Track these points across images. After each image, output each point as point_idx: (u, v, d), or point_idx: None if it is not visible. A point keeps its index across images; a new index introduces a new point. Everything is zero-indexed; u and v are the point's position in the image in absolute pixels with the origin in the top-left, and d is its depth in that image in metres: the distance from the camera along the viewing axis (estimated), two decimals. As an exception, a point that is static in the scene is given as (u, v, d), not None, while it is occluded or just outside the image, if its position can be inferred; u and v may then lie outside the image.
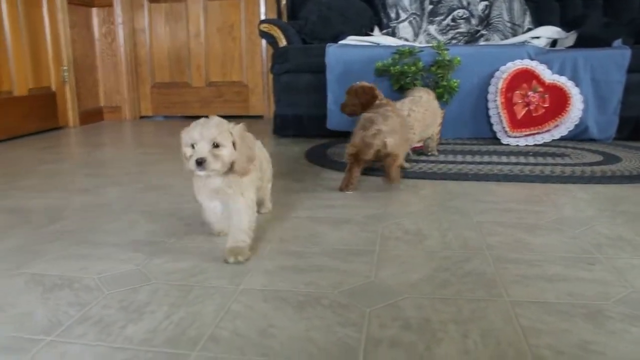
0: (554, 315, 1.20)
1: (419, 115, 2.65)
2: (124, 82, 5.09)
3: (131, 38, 5.11)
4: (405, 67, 3.14)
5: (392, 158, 2.25)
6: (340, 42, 3.77)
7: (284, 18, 4.39)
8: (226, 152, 1.50)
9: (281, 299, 1.28)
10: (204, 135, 1.49)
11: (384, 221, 1.87)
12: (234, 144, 1.52)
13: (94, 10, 4.98)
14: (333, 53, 3.50)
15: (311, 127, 3.65)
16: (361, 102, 2.52)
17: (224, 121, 1.55)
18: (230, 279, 1.41)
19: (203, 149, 1.48)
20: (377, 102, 2.47)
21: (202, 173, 1.50)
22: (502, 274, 1.42)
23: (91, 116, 4.91)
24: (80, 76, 4.77)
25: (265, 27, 3.82)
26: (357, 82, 2.61)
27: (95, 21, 5.00)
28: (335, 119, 3.48)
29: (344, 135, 3.50)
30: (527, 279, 1.39)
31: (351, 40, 3.83)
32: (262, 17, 4.85)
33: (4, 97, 3.87)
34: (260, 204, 1.87)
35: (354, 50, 3.53)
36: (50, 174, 2.72)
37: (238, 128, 1.55)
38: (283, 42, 3.77)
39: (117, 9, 5.00)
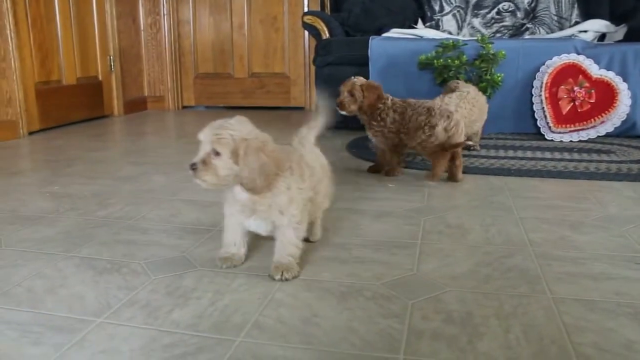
0: (598, 314, 1.19)
1: (465, 112, 2.63)
2: (167, 73, 5.17)
3: (175, 29, 5.18)
4: (449, 61, 3.12)
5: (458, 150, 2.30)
6: (384, 34, 3.76)
7: (327, 10, 4.40)
8: (220, 163, 1.28)
9: (324, 290, 1.30)
10: (206, 137, 1.30)
11: (426, 215, 1.87)
12: (237, 155, 1.27)
13: (140, 1, 5.07)
14: (376, 46, 3.50)
15: (353, 120, 3.64)
16: (368, 100, 2.38)
17: (236, 125, 1.31)
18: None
19: (199, 154, 1.30)
20: (386, 102, 2.38)
21: (195, 181, 1.32)
22: (545, 270, 1.41)
23: (135, 105, 5.01)
24: (126, 66, 4.86)
25: (308, 19, 3.83)
26: (354, 77, 2.46)
27: (141, 12, 5.09)
28: (376, 112, 3.47)
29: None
30: (571, 276, 1.38)
31: (394, 33, 3.81)
32: (305, 9, 4.86)
33: (53, 86, 3.98)
34: (308, 228, 1.49)
35: (397, 43, 3.52)
36: (97, 162, 2.79)
37: (250, 140, 1.28)
38: (326, 35, 3.78)
39: (163, 0, 5.07)
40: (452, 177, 2.33)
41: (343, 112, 2.43)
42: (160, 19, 5.12)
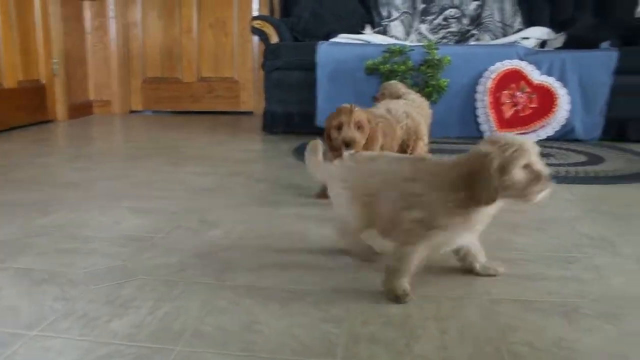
0: (532, 313, 1.23)
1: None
2: (114, 77, 5.09)
3: (123, 32, 5.10)
4: (395, 66, 3.17)
5: None
6: (332, 40, 3.79)
7: (277, 15, 4.41)
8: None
9: (266, 296, 1.30)
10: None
11: (370, 219, 1.89)
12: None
13: (86, 4, 4.97)
14: (324, 51, 3.52)
15: (301, 124, 3.67)
16: (372, 132, 2.01)
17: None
18: (216, 275, 1.42)
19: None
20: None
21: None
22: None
23: (80, 110, 4.90)
24: (71, 69, 4.76)
25: (257, 23, 3.83)
26: (351, 106, 2.01)
27: (87, 14, 4.99)
28: (325, 117, 3.49)
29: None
30: (508, 277, 1.42)
31: (342, 38, 3.85)
32: (255, 13, 4.86)
33: (-7, 89, 3.86)
34: None
35: (345, 49, 3.55)
36: (39, 168, 2.73)
37: None
38: (275, 39, 3.79)
39: (110, 3, 4.99)
40: None
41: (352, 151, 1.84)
42: (107, 22, 5.03)
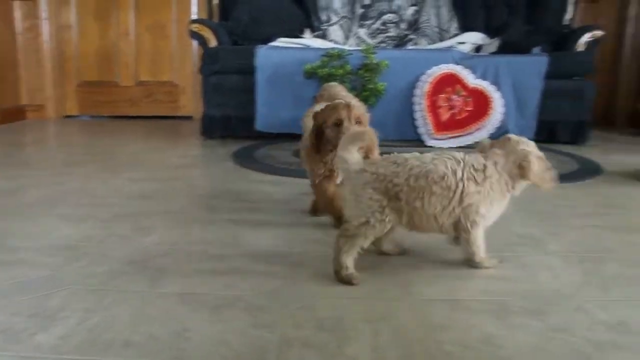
0: (463, 312, 1.25)
1: None
2: (48, 80, 4.93)
3: (57, 34, 4.95)
4: (333, 70, 3.19)
5: None
6: (271, 44, 3.78)
7: (216, 18, 4.37)
8: None
9: (198, 302, 1.29)
10: None
11: (306, 223, 1.90)
12: None
13: (16, 4, 4.80)
14: (263, 55, 3.51)
15: (240, 129, 3.64)
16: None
17: None
18: (149, 282, 1.40)
19: None
20: None
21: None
22: (418, 273, 1.47)
23: (11, 115, 4.72)
24: (1, 72, 4.59)
25: (195, 27, 3.78)
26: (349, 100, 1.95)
27: (17, 15, 4.82)
28: (264, 120, 3.49)
29: (273, 137, 3.52)
30: (441, 277, 1.45)
31: (282, 42, 3.84)
32: (194, 16, 4.80)
33: None
34: None
35: (284, 52, 3.55)
36: (-35, 176, 2.62)
37: None
38: (213, 43, 3.75)
39: (42, 4, 4.83)
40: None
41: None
42: (39, 23, 4.87)
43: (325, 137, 1.75)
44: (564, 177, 2.64)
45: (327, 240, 1.72)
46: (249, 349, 1.09)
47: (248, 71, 3.52)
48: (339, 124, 1.71)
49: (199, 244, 1.68)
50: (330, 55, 3.30)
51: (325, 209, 1.86)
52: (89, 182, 2.49)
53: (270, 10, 4.08)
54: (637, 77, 4.69)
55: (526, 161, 1.46)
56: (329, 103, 1.79)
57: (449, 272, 1.49)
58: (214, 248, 1.65)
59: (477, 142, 1.68)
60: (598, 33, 3.74)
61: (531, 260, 1.59)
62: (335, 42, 4.18)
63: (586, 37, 3.74)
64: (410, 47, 4.20)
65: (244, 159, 2.97)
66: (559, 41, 3.90)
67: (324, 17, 4.32)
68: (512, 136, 1.55)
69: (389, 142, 3.50)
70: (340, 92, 2.85)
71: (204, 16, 4.60)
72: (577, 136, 3.69)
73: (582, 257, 1.62)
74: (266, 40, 3.86)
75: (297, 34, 4.15)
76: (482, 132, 3.37)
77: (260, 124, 3.51)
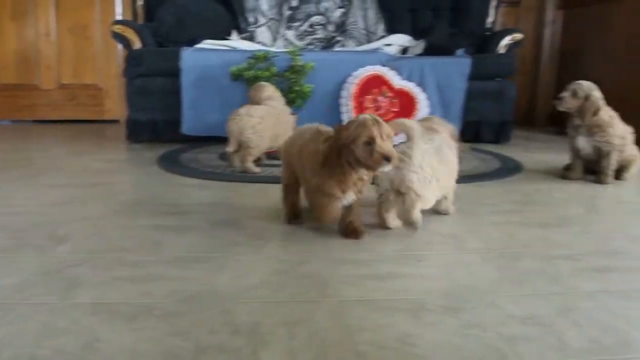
0: (379, 312, 1.26)
1: (269, 125, 2.68)
2: (-38, 84, 4.71)
3: (-29, 35, 4.74)
4: (259, 72, 3.17)
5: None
6: (197, 46, 3.73)
7: (140, 19, 4.27)
8: None
9: (111, 312, 1.25)
10: None
11: (230, 227, 1.87)
12: None
13: None
14: (188, 57, 3.46)
15: (166, 132, 3.57)
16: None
17: None
18: (60, 293, 1.34)
19: None
20: None
21: None
22: (336, 275, 1.47)
23: None
24: None
25: (118, 28, 3.69)
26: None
27: None
28: (190, 124, 3.44)
29: (200, 140, 3.47)
30: (359, 278, 1.45)
31: (208, 44, 3.80)
32: (119, 17, 4.68)
33: None
34: None
35: (209, 54, 3.50)
36: None
37: None
38: (137, 45, 3.67)
39: (-46, 4, 4.61)
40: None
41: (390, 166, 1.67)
42: (-48, 24, 4.64)
43: (350, 156, 1.62)
44: (486, 176, 2.72)
45: (251, 243, 1.71)
46: (162, 357, 1.06)
47: (173, 73, 3.46)
48: (371, 142, 1.58)
49: (116, 251, 1.63)
50: (256, 58, 3.29)
51: (321, 222, 1.80)
52: (4, 189, 2.38)
53: (196, 12, 4.03)
54: (556, 78, 4.88)
55: None
56: (354, 119, 1.65)
57: (369, 272, 1.50)
58: (132, 255, 1.60)
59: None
60: (517, 36, 3.88)
61: (450, 258, 1.62)
62: (263, 44, 4.17)
63: (507, 40, 3.87)
64: (337, 49, 4.23)
65: (169, 163, 2.91)
66: (482, 44, 4.02)
67: (251, 18, 4.30)
68: None
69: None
70: (264, 93, 2.85)
71: (129, 17, 4.49)
72: (500, 136, 3.81)
73: (499, 254, 1.67)
74: (192, 42, 3.80)
75: (223, 36, 4.11)
76: (408, 133, 3.43)
77: (186, 128, 3.46)
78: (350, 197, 1.72)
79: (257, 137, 2.63)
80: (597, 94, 2.62)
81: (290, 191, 1.93)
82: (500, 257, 1.64)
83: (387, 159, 1.57)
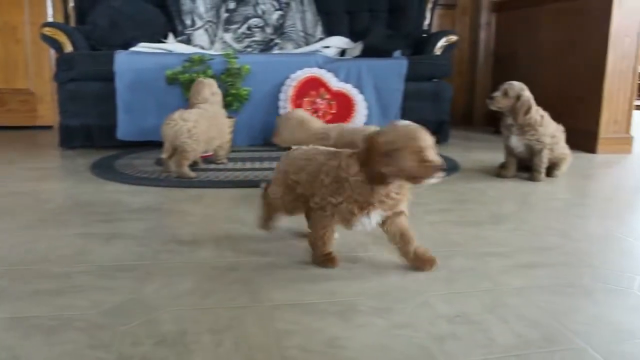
0: (310, 316, 1.25)
1: (204, 128, 2.65)
2: None
3: None
4: (195, 75, 3.12)
5: None
6: (131, 49, 3.65)
7: (72, 22, 4.14)
8: None
9: (31, 326, 1.19)
10: None
11: (160, 234, 1.83)
12: None
13: None
14: (122, 60, 3.37)
15: (101, 138, 3.47)
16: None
17: None
18: (-24, 308, 1.28)
19: None
20: None
21: None
22: (268, 279, 1.45)
23: None
24: None
25: (48, 31, 3.57)
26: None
27: None
28: (125, 129, 3.35)
29: (135, 146, 3.40)
30: (292, 282, 1.44)
31: (143, 47, 3.72)
32: (50, 19, 4.53)
33: None
34: None
35: (144, 58, 3.43)
36: None
37: None
38: (69, 48, 3.56)
39: None
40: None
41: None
42: None
43: (389, 166, 1.42)
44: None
45: (181, 250, 1.67)
46: (81, 372, 1.02)
47: (107, 78, 3.37)
48: (420, 151, 1.42)
49: (40, 263, 1.57)
50: (191, 61, 3.24)
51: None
52: None
53: (131, 14, 3.94)
54: (492, 79, 4.99)
55: None
56: (397, 126, 1.49)
57: (302, 275, 1.49)
58: (57, 266, 1.54)
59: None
60: (453, 38, 3.94)
61: (383, 259, 1.63)
62: (201, 47, 4.11)
63: (442, 42, 3.92)
64: (276, 52, 4.21)
65: (103, 169, 2.83)
66: (418, 45, 4.06)
67: (188, 21, 4.23)
68: None
69: (256, 146, 3.48)
70: (214, 90, 2.81)
71: (60, 19, 4.35)
72: (437, 136, 3.85)
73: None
74: (126, 45, 3.72)
75: (160, 39, 4.03)
76: (347, 135, 3.44)
77: (121, 133, 3.37)
78: (375, 217, 1.51)
79: (193, 141, 2.59)
80: (527, 93, 2.69)
81: (275, 207, 1.73)
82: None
83: (440, 169, 1.41)
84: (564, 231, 1.93)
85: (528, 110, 2.67)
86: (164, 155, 2.63)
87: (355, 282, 1.46)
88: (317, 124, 2.55)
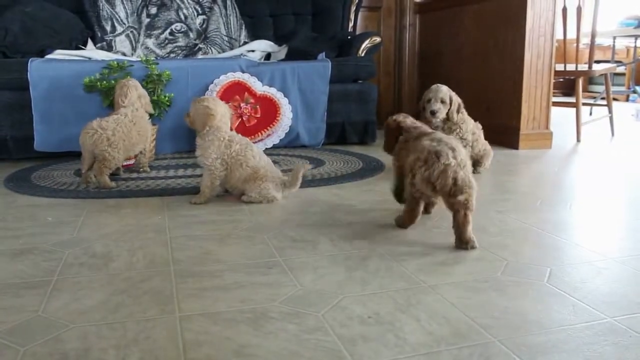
0: (220, 325, 1.23)
1: (123, 135, 2.58)
2: None
3: None
4: (114, 82, 3.04)
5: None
6: (47, 56, 3.53)
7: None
8: None
9: None
10: None
11: (73, 247, 1.77)
12: None
13: None
14: (37, 68, 3.25)
15: (17, 150, 3.33)
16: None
17: None
18: None
19: None
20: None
21: None
22: (180, 289, 1.43)
23: None
24: None
25: (-46, 38, 3.41)
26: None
27: None
28: (43, 140, 3.23)
29: (54, 157, 3.28)
30: (203, 290, 1.42)
31: (59, 54, 3.60)
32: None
33: None
34: None
35: (60, 65, 3.32)
36: None
37: None
38: (-22, 56, 3.41)
39: None
40: (459, 242, 1.79)
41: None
42: None
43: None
44: (347, 177, 2.76)
45: (93, 263, 1.62)
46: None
47: (22, 87, 3.24)
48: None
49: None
50: (110, 67, 3.15)
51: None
52: None
53: (45, 20, 3.80)
54: (417, 78, 5.08)
55: None
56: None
57: (215, 283, 1.47)
58: (-43, 286, 1.47)
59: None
60: (376, 39, 3.99)
61: (299, 263, 1.62)
62: (123, 54, 4.02)
63: (366, 43, 3.96)
64: (200, 57, 4.16)
65: (18, 182, 2.72)
66: (343, 47, 4.09)
67: (108, 27, 4.13)
68: None
69: (181, 153, 3.43)
70: (140, 93, 2.75)
71: (-29, 27, 4.16)
72: (365, 136, 3.89)
73: (349, 255, 1.69)
74: (41, 52, 3.59)
75: (78, 46, 3.91)
76: (272, 138, 3.43)
77: (38, 144, 3.24)
78: None
79: (112, 150, 2.53)
80: (454, 93, 2.78)
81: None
82: (349, 258, 1.66)
83: None
84: (481, 226, 1.98)
85: (459, 108, 2.76)
86: (83, 168, 2.56)
87: (267, 288, 1.44)
88: None
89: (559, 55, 3.93)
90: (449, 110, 2.76)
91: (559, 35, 3.90)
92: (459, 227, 1.77)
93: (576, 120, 4.08)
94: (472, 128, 2.83)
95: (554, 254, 1.72)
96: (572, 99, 4.89)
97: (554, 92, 3.79)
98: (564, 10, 4.05)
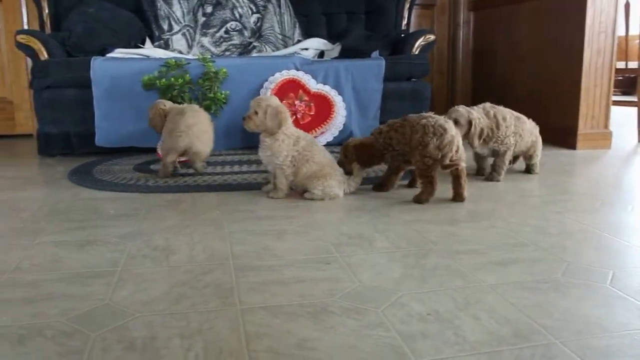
0: (280, 318, 1.25)
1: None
2: None
3: None
4: (172, 80, 3.11)
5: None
6: (108, 55, 3.63)
7: (48, 29, 4.12)
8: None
9: (-1, 336, 1.19)
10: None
11: (135, 239, 1.82)
12: None
13: None
14: (99, 66, 3.35)
15: (80, 145, 3.45)
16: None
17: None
18: (-56, 319, 1.27)
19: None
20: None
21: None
22: (240, 282, 1.45)
23: None
24: None
25: (22, 38, 3.54)
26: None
27: None
28: (104, 135, 3.33)
29: (114, 152, 3.38)
30: (263, 284, 1.44)
31: (119, 53, 3.70)
32: (26, 27, 4.50)
33: None
34: None
35: (121, 64, 3.41)
36: None
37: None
38: (44, 55, 3.53)
39: None
40: (457, 197, 2.33)
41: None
42: None
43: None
44: (402, 176, 2.75)
45: (155, 255, 1.66)
46: (48, 381, 1.01)
47: (85, 85, 3.35)
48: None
49: (12, 272, 1.56)
50: (168, 65, 3.23)
51: None
52: None
53: (106, 20, 3.91)
54: (472, 77, 5.02)
55: None
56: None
57: (274, 278, 1.49)
58: (29, 274, 1.53)
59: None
60: (430, 37, 3.95)
61: (357, 259, 1.63)
62: (179, 52, 4.10)
63: (420, 41, 3.93)
64: (254, 55, 4.20)
65: (81, 176, 2.81)
66: (396, 45, 4.08)
67: (165, 26, 4.22)
68: None
69: (235, 150, 3.48)
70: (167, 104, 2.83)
71: (36, 26, 4.32)
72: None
73: (406, 252, 1.69)
74: (103, 51, 3.69)
75: (137, 44, 4.01)
76: (326, 136, 3.45)
77: (100, 140, 3.35)
78: None
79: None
80: (475, 115, 2.58)
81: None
82: (407, 255, 1.66)
83: None
84: (539, 227, 1.95)
85: (482, 133, 2.59)
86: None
87: (326, 283, 1.46)
88: None
89: (620, 52, 3.82)
90: (468, 133, 2.56)
91: (620, 31, 3.79)
92: (460, 188, 2.30)
93: (637, 120, 3.95)
94: (531, 129, 2.76)
95: (616, 257, 1.68)
96: (632, 98, 4.74)
97: (613, 91, 3.69)
98: (627, 5, 3.93)
